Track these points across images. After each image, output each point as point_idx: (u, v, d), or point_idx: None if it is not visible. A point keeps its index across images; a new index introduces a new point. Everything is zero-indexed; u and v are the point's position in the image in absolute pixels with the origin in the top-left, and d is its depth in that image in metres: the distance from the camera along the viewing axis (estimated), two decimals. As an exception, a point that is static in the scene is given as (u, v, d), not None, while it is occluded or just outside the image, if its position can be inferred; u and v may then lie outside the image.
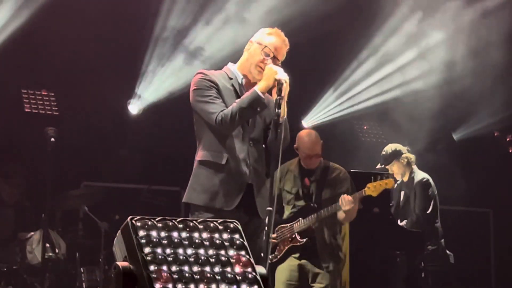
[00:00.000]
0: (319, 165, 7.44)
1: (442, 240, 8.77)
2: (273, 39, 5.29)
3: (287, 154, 7.63)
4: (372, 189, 7.25)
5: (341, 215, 7.26)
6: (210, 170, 5.14)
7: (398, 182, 8.96)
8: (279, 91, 4.98)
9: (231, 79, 5.28)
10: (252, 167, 5.18)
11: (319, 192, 7.37)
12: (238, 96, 5.19)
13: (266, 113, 5.26)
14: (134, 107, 10.69)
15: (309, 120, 11.30)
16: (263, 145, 5.29)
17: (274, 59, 5.23)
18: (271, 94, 5.14)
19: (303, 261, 7.32)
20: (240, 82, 5.30)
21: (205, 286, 3.74)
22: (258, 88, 5.08)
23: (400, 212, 8.83)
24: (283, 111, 4.95)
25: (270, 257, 7.42)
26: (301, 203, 7.41)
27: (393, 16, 10.30)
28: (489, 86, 10.57)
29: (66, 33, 9.92)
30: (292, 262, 7.35)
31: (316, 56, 10.85)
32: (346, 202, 7.14)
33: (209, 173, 5.14)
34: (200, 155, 5.19)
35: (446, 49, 10.50)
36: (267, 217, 4.73)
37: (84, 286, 8.90)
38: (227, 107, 5.11)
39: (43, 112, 10.53)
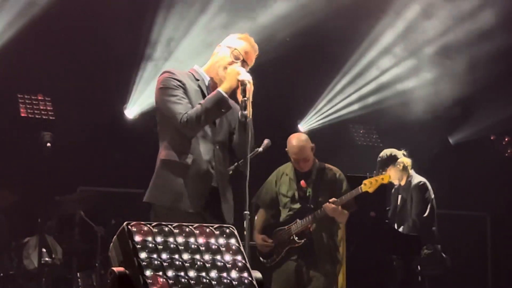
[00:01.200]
0: (314, 167, 7.45)
1: (439, 243, 8.76)
2: (243, 43, 5.25)
3: (284, 158, 7.68)
4: (368, 185, 7.26)
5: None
6: (174, 170, 5.03)
7: (396, 187, 8.96)
8: (244, 92, 4.95)
9: (197, 80, 5.23)
10: (217, 169, 5.11)
11: (316, 193, 7.39)
12: (204, 97, 5.12)
13: (231, 117, 5.22)
14: (130, 112, 10.69)
15: (305, 124, 11.30)
16: (228, 149, 5.25)
17: (243, 62, 5.19)
18: (236, 96, 5.08)
19: (301, 264, 7.31)
20: (206, 84, 5.24)
21: (202, 291, 3.74)
22: (222, 89, 5.02)
23: (397, 216, 8.82)
24: (249, 112, 4.92)
25: (269, 260, 7.47)
26: (297, 205, 7.42)
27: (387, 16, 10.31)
28: (486, 89, 10.59)
29: (62, 37, 9.92)
30: (289, 266, 7.35)
31: (313, 59, 10.86)
32: (330, 210, 7.20)
33: (172, 173, 5.03)
34: (164, 154, 5.08)
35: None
36: (245, 221, 4.69)
37: (80, 291, 8.90)
38: (193, 108, 5.04)
39: (39, 116, 10.52)
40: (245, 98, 4.93)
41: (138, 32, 10.19)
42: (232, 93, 5.06)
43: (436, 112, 10.97)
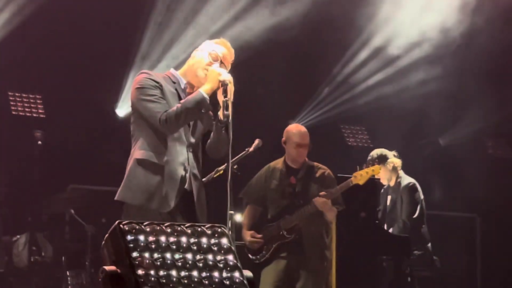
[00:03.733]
0: (304, 164, 7.47)
1: (429, 245, 8.79)
2: (220, 47, 5.29)
3: (276, 154, 7.69)
4: (358, 177, 7.27)
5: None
6: (148, 170, 5.04)
7: (385, 187, 8.98)
8: (225, 92, 4.97)
9: (174, 83, 5.24)
10: (190, 171, 5.13)
11: (305, 190, 7.39)
12: (180, 100, 5.13)
13: (205, 119, 5.25)
14: (121, 111, 10.67)
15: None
16: (201, 150, 5.27)
17: (221, 64, 5.22)
18: (216, 97, 5.09)
19: (290, 261, 7.31)
20: (182, 87, 5.25)
21: (193, 291, 3.74)
22: (203, 90, 5.04)
23: (387, 217, 8.84)
24: (231, 112, 4.94)
25: (258, 257, 7.47)
26: (286, 201, 7.42)
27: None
28: (476, 91, 10.62)
29: (53, 35, 9.91)
30: (279, 263, 7.34)
31: (304, 60, 10.88)
32: (320, 204, 7.21)
33: (147, 173, 5.03)
34: (138, 153, 5.09)
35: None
36: (229, 220, 4.70)
37: (70, 289, 8.88)
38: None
39: (30, 114, 10.50)
40: (227, 99, 4.95)
41: (130, 30, 10.19)
42: (212, 94, 5.08)
43: (427, 113, 11.00)
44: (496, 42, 10.18)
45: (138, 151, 5.11)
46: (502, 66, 10.90)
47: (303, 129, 7.54)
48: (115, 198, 5.11)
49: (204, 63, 5.22)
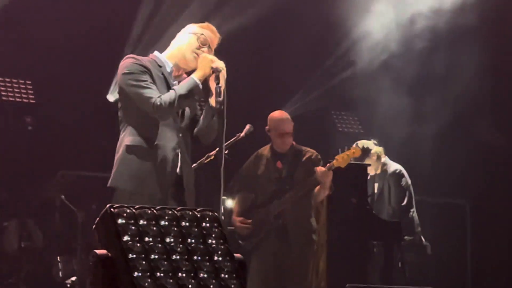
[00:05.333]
0: (291, 148, 7.46)
1: (419, 230, 8.82)
2: (207, 31, 5.30)
3: (269, 139, 7.68)
4: (340, 160, 7.24)
5: (317, 189, 7.29)
6: (139, 156, 5.04)
7: (371, 175, 8.96)
8: (217, 79, 5.00)
9: (160, 66, 5.22)
10: (182, 157, 5.14)
11: (292, 174, 7.39)
12: (167, 84, 5.15)
13: (193, 105, 5.28)
14: (112, 96, 10.65)
15: (287, 110, 11.27)
16: (190, 136, 5.27)
17: (209, 48, 5.25)
18: (207, 83, 5.12)
19: (279, 246, 7.31)
20: (169, 70, 5.24)
21: (184, 275, 3.73)
22: (195, 76, 5.07)
23: (375, 204, 8.85)
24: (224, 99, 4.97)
25: (248, 242, 7.48)
26: (273, 187, 7.42)
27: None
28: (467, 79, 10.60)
29: (44, 20, 9.86)
30: (268, 248, 7.35)
31: (296, 43, 10.85)
32: (322, 173, 7.17)
33: (138, 159, 5.04)
34: (129, 140, 5.08)
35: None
36: (221, 206, 4.72)
37: (60, 275, 8.89)
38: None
39: (20, 100, 10.46)
40: (220, 85, 4.98)
41: (121, 15, 10.15)
42: (203, 81, 5.11)
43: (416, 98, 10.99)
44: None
45: (128, 137, 5.11)
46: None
47: (286, 116, 7.50)
48: (108, 185, 5.11)
49: (193, 47, 5.23)
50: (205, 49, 5.22)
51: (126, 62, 5.14)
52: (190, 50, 5.23)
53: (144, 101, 5.02)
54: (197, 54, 5.20)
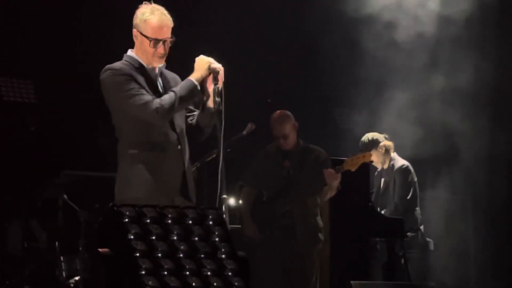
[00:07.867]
0: (298, 147, 7.45)
1: (422, 227, 8.81)
2: (155, 17, 5.12)
3: (270, 141, 7.67)
4: (350, 163, 7.24)
5: (324, 189, 7.28)
6: (144, 162, 5.01)
7: (378, 170, 8.99)
8: (215, 79, 5.00)
9: (137, 68, 5.14)
10: (183, 154, 5.15)
11: (299, 173, 7.38)
12: (151, 83, 5.11)
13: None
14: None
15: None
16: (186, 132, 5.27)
17: (164, 43, 5.09)
18: (205, 84, 5.10)
19: (284, 244, 7.31)
20: (146, 68, 5.17)
21: (188, 273, 3.74)
22: (193, 78, 5.06)
23: (380, 199, 8.86)
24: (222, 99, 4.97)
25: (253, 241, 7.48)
26: (280, 185, 7.41)
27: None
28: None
29: (45, 20, 9.86)
30: (273, 246, 7.34)
31: (297, 42, 10.85)
32: (330, 175, 7.15)
33: (143, 166, 5.00)
34: (131, 147, 5.05)
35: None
36: (223, 205, 4.69)
37: (64, 275, 8.87)
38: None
39: (22, 100, 10.44)
40: (218, 86, 4.99)
41: (124, 12, 10.12)
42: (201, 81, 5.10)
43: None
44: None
45: (128, 146, 5.08)
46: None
47: (281, 118, 7.42)
48: (116, 197, 4.98)
49: (151, 50, 5.09)
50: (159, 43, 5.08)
51: (106, 76, 5.10)
52: (148, 45, 5.10)
53: (142, 108, 4.98)
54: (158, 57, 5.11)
